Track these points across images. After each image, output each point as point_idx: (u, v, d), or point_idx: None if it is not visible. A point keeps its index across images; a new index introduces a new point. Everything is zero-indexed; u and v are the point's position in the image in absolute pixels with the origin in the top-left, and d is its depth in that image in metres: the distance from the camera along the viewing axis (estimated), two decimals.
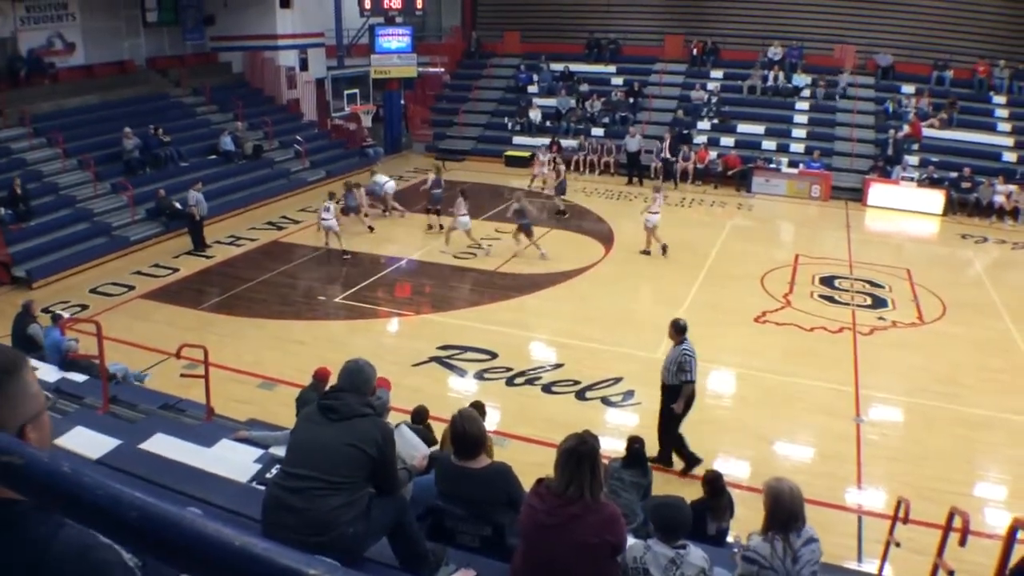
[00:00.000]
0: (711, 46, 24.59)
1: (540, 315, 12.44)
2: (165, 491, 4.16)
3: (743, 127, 22.42)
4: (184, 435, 6.00)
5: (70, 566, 1.18)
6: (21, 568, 1.17)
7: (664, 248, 14.84)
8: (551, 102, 24.56)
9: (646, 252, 14.97)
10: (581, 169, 21.89)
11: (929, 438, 8.87)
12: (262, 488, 4.35)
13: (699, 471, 7.39)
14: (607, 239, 16.24)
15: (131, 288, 13.30)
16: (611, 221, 17.43)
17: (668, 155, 21.09)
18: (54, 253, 14.08)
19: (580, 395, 9.62)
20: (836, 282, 13.88)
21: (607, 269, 14.49)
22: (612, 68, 25.39)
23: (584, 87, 24.63)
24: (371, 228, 16.49)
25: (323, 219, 14.89)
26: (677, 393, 7.77)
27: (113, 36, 20.19)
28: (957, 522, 4.96)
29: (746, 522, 5.41)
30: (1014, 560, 4.21)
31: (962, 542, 4.84)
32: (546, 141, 22.34)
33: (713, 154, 21.32)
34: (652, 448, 7.57)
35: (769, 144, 21.70)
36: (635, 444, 6.37)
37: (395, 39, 23.51)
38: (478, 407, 5.91)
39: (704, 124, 22.69)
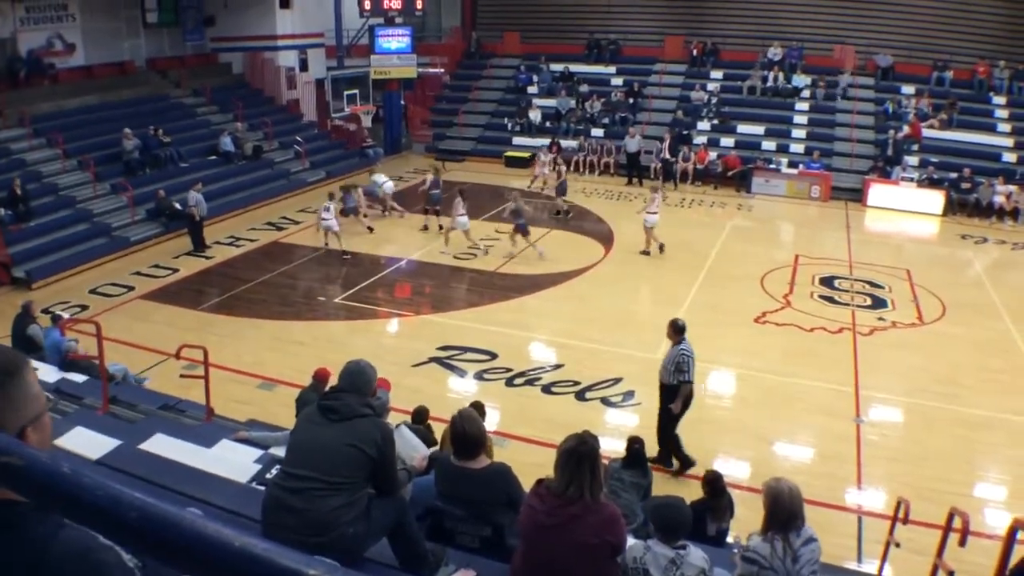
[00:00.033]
0: (711, 47, 24.59)
1: (540, 316, 12.45)
2: (165, 492, 4.16)
3: (743, 128, 22.43)
4: (184, 436, 6.00)
5: (70, 567, 1.17)
6: (21, 568, 1.17)
7: (661, 247, 14.87)
8: (551, 103, 24.57)
9: (646, 253, 14.97)
10: (581, 170, 21.89)
11: (929, 438, 8.87)
12: (262, 489, 4.35)
13: (697, 471, 7.38)
14: (607, 240, 16.24)
15: (131, 289, 13.30)
16: (611, 222, 17.43)
17: (668, 156, 21.08)
18: (54, 254, 14.08)
19: (580, 395, 9.62)
20: (836, 282, 13.89)
21: (607, 270, 14.49)
22: (612, 69, 25.40)
23: (584, 88, 24.63)
24: (370, 229, 16.49)
25: (323, 219, 14.91)
26: (675, 393, 7.78)
27: (113, 37, 20.19)
28: (957, 522, 4.96)
29: (746, 522, 5.41)
30: (1014, 560, 4.21)
31: (962, 542, 4.84)
32: (546, 142, 22.37)
33: (713, 155, 21.33)
34: (652, 448, 7.57)
35: (769, 145, 21.70)
36: (635, 444, 6.37)
37: (395, 39, 23.52)
38: (477, 407, 5.91)
39: (704, 125, 22.70)
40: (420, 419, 7.00)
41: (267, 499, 3.43)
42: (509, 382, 9.95)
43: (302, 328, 11.78)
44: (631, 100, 24.04)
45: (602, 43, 25.71)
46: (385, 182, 17.77)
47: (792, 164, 20.84)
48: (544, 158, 19.73)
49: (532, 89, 25.35)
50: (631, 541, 3.63)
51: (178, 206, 15.78)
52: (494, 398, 9.35)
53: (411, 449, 4.65)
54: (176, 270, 14.26)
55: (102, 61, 19.78)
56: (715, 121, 22.71)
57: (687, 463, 8.00)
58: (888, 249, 16.75)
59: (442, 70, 26.85)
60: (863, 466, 8.25)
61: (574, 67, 25.38)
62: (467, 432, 3.93)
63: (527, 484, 3.69)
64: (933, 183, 19.20)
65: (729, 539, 5.84)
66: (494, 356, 10.62)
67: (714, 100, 23.25)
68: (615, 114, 23.50)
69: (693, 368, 7.71)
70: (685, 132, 22.17)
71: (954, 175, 19.25)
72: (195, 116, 20.67)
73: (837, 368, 10.52)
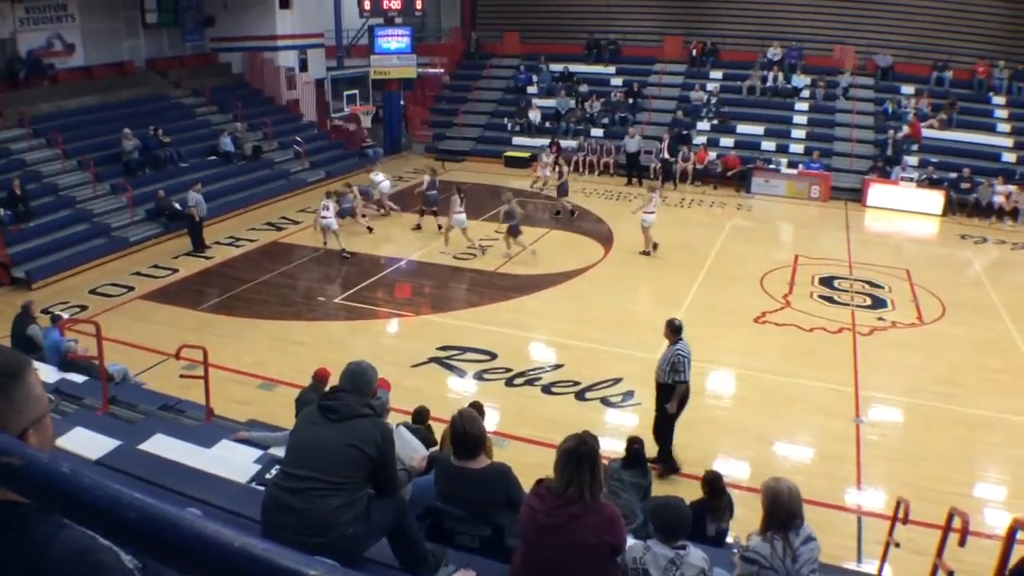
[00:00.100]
0: (710, 47, 24.59)
1: (540, 316, 12.45)
2: (165, 492, 4.16)
3: (742, 128, 22.43)
4: (184, 436, 6.01)
5: (69, 567, 1.17)
6: (21, 569, 1.17)
7: (655, 246, 14.88)
8: (550, 103, 24.57)
9: (646, 253, 14.98)
10: (581, 170, 21.88)
11: (929, 438, 8.87)
12: (262, 489, 4.35)
13: (697, 471, 7.36)
14: (606, 240, 16.24)
15: (130, 289, 13.30)
16: (610, 222, 17.42)
17: (667, 156, 21.08)
18: (53, 254, 14.07)
19: (580, 396, 9.62)
20: (836, 283, 13.89)
21: (607, 270, 14.49)
22: (611, 69, 25.40)
23: (583, 88, 24.63)
24: (370, 229, 16.50)
25: (322, 217, 14.92)
26: (671, 393, 7.77)
27: (113, 37, 20.18)
28: (957, 522, 4.96)
29: (746, 523, 5.40)
30: (1014, 560, 4.21)
31: (962, 542, 4.85)
32: (546, 142, 22.37)
33: (712, 155, 21.33)
34: (652, 449, 7.57)
35: (768, 145, 21.70)
36: (635, 445, 6.37)
37: (394, 40, 23.52)
38: (476, 408, 5.91)
39: (703, 125, 22.70)
40: (420, 419, 7.00)
41: (267, 499, 3.43)
42: (509, 382, 9.95)
43: (302, 328, 11.78)
44: (631, 100, 24.04)
45: (602, 43, 25.71)
46: (382, 181, 17.78)
47: (792, 164, 20.84)
48: (546, 159, 19.75)
49: (532, 89, 25.35)
50: (631, 541, 3.64)
51: (178, 206, 15.78)
52: (494, 398, 9.35)
53: (410, 450, 4.65)
54: (176, 270, 14.26)
55: (102, 61, 19.78)
56: (715, 121, 22.72)
57: (673, 467, 7.97)
58: (888, 249, 16.75)
59: (442, 70, 26.85)
60: (863, 466, 8.25)
61: (574, 67, 25.39)
62: (467, 432, 3.93)
63: (527, 484, 3.69)
64: (933, 183, 19.21)
65: (729, 539, 5.84)
66: (494, 356, 10.62)
67: (713, 100, 23.25)
68: (615, 114, 23.50)
69: (689, 368, 7.69)
70: (685, 132, 22.17)
71: (954, 175, 19.25)
72: (195, 116, 20.66)
73: (837, 368, 10.52)
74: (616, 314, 12.29)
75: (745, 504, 6.45)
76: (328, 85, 24.23)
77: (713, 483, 6.04)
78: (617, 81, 25.00)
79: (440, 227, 15.99)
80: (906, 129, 20.72)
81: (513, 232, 14.56)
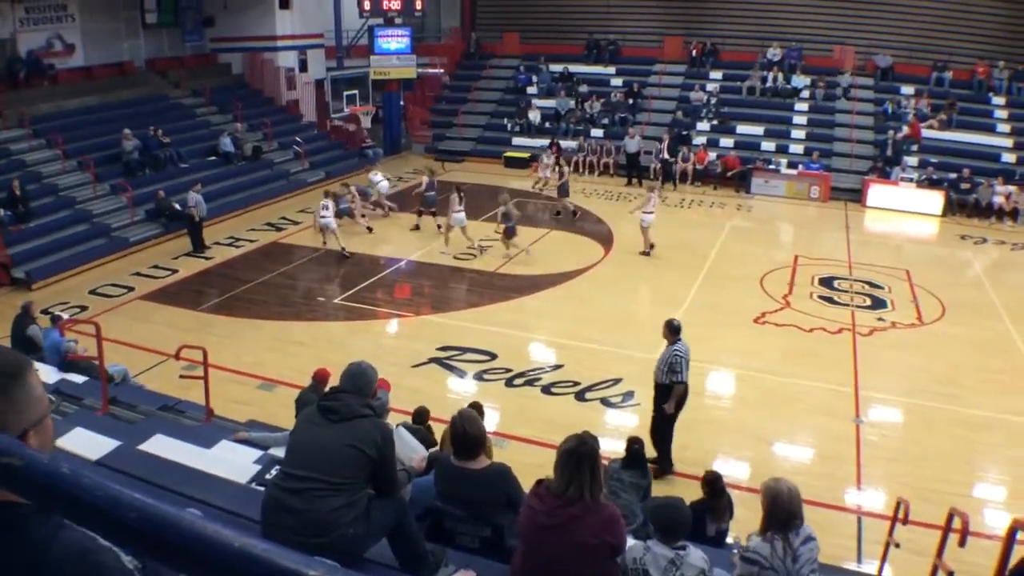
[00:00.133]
0: (710, 47, 24.60)
1: (540, 316, 12.45)
2: (164, 492, 4.16)
3: (742, 128, 22.44)
4: (183, 436, 6.01)
5: (69, 568, 1.17)
6: (21, 569, 1.17)
7: (651, 247, 14.87)
8: (550, 103, 24.57)
9: (645, 253, 14.98)
10: (580, 170, 21.88)
11: (928, 439, 8.87)
12: (262, 489, 4.35)
13: (696, 472, 7.36)
14: (606, 240, 16.24)
15: (130, 289, 13.30)
16: (610, 222, 17.43)
17: (667, 156, 21.09)
18: (53, 254, 14.07)
19: (580, 396, 9.62)
20: (835, 283, 13.89)
21: (606, 270, 14.50)
22: (611, 69, 25.40)
23: (583, 88, 24.63)
24: (370, 229, 16.50)
25: (321, 216, 14.93)
26: (669, 393, 7.76)
27: (112, 37, 20.18)
28: (956, 523, 4.96)
29: (745, 523, 5.40)
30: (1013, 561, 4.21)
31: (962, 543, 4.84)
32: (546, 142, 22.38)
33: (712, 155, 21.34)
34: (650, 449, 7.56)
35: (768, 145, 21.71)
36: (635, 445, 6.37)
37: (394, 40, 23.52)
38: (476, 408, 5.91)
39: (703, 125, 22.71)
40: (421, 420, 7.00)
41: (267, 500, 3.43)
42: (509, 382, 9.95)
43: (302, 329, 11.78)
44: (630, 100, 24.04)
45: (601, 44, 25.72)
46: (380, 181, 17.78)
47: (791, 164, 20.85)
48: (547, 161, 19.76)
49: (531, 89, 25.36)
50: (631, 542, 3.64)
51: (178, 207, 15.78)
52: (494, 399, 9.35)
53: (409, 450, 4.65)
54: (176, 271, 14.26)
55: (101, 62, 19.77)
56: (714, 122, 22.72)
57: (668, 467, 7.95)
58: (887, 249, 16.75)
59: (441, 70, 26.85)
60: (863, 466, 8.25)
61: (573, 67, 25.39)
62: (467, 432, 3.93)
63: (527, 484, 3.69)
64: (932, 183, 19.21)
65: (729, 539, 5.84)
66: (494, 356, 10.62)
67: (713, 101, 23.26)
68: (614, 114, 23.50)
69: (686, 369, 7.68)
70: (684, 132, 22.17)
71: (953, 175, 19.26)
72: (195, 117, 20.66)
73: (837, 368, 10.52)
74: (616, 314, 12.29)
75: (745, 504, 6.45)
76: (328, 85, 24.22)
77: (713, 483, 6.04)
78: (617, 81, 25.01)
79: (439, 227, 15.99)
80: (906, 129, 20.73)
81: (509, 233, 14.58)
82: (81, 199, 15.94)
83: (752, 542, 3.66)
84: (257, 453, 5.87)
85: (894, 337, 11.71)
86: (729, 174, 20.80)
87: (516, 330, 11.68)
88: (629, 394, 9.59)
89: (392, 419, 6.54)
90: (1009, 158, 19.96)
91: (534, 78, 25.50)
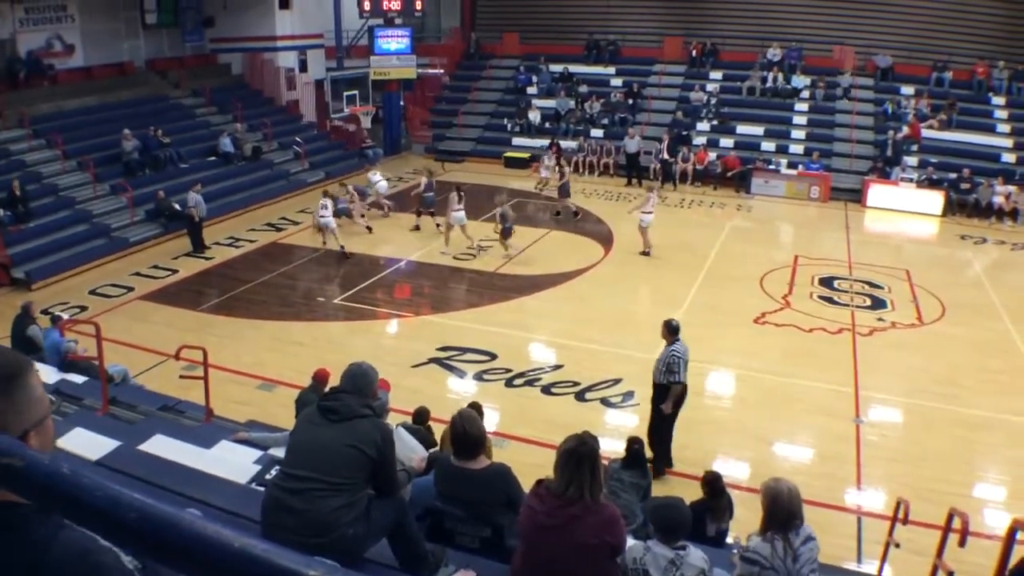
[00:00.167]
0: (710, 47, 24.60)
1: (539, 316, 12.45)
2: (164, 492, 4.16)
3: (742, 128, 22.44)
4: (183, 436, 6.00)
5: (69, 568, 1.17)
6: (21, 569, 1.17)
7: (649, 249, 14.88)
8: (550, 103, 24.57)
9: (645, 253, 14.99)
10: (580, 170, 21.87)
11: (928, 439, 8.88)
12: (261, 489, 4.35)
13: (696, 472, 7.36)
14: (606, 240, 16.24)
15: (130, 289, 13.30)
16: (610, 222, 17.43)
17: (667, 156, 21.08)
18: (53, 255, 14.07)
19: (580, 396, 9.62)
20: (835, 283, 13.89)
21: (606, 270, 14.50)
22: (611, 69, 25.40)
23: (583, 88, 24.63)
24: (369, 229, 16.50)
25: (321, 215, 14.94)
26: (667, 393, 7.76)
27: (112, 38, 20.18)
28: (956, 523, 4.96)
29: (746, 523, 5.40)
30: (1013, 561, 4.21)
31: (961, 543, 4.85)
32: (545, 142, 22.39)
33: (712, 155, 21.33)
34: (650, 450, 7.57)
35: (768, 145, 21.71)
36: (635, 445, 6.37)
37: (394, 40, 23.52)
38: (476, 408, 5.91)
39: (703, 125, 22.71)
40: (421, 420, 7.00)
41: (267, 500, 3.43)
42: (509, 383, 9.95)
43: (302, 329, 11.78)
44: (630, 101, 24.04)
45: (601, 44, 25.72)
46: (379, 181, 17.78)
47: (791, 165, 20.84)
48: (548, 161, 19.74)
49: (531, 90, 25.36)
50: (631, 542, 3.64)
51: (177, 207, 15.78)
52: (494, 399, 9.36)
53: (409, 451, 4.65)
54: (175, 271, 14.26)
55: (101, 62, 19.77)
56: (714, 122, 22.72)
57: (665, 465, 7.94)
58: (887, 250, 16.76)
59: (441, 71, 26.85)
60: (863, 466, 8.26)
61: (573, 68, 25.39)
62: (467, 432, 3.93)
63: (527, 485, 3.69)
64: (932, 183, 19.21)
65: (729, 539, 5.84)
66: (494, 357, 10.62)
67: (713, 101, 23.26)
68: (614, 115, 23.50)
69: (684, 369, 7.67)
70: (684, 133, 22.17)
71: (953, 175, 19.26)
72: (195, 117, 20.66)
73: (836, 369, 10.53)
74: (616, 314, 12.29)
75: (745, 504, 6.45)
76: (328, 86, 24.20)
77: (713, 483, 6.04)
78: (617, 82, 25.01)
79: (439, 227, 15.99)
80: (906, 130, 20.73)
81: (505, 234, 14.60)
82: (81, 199, 15.94)
83: (752, 542, 3.66)
84: (257, 453, 5.87)
85: (894, 337, 11.72)
86: (729, 174, 20.80)
87: (516, 330, 11.68)
88: (629, 394, 9.59)
89: (392, 419, 6.54)
90: (1009, 158, 19.96)
91: (534, 78, 25.50)
